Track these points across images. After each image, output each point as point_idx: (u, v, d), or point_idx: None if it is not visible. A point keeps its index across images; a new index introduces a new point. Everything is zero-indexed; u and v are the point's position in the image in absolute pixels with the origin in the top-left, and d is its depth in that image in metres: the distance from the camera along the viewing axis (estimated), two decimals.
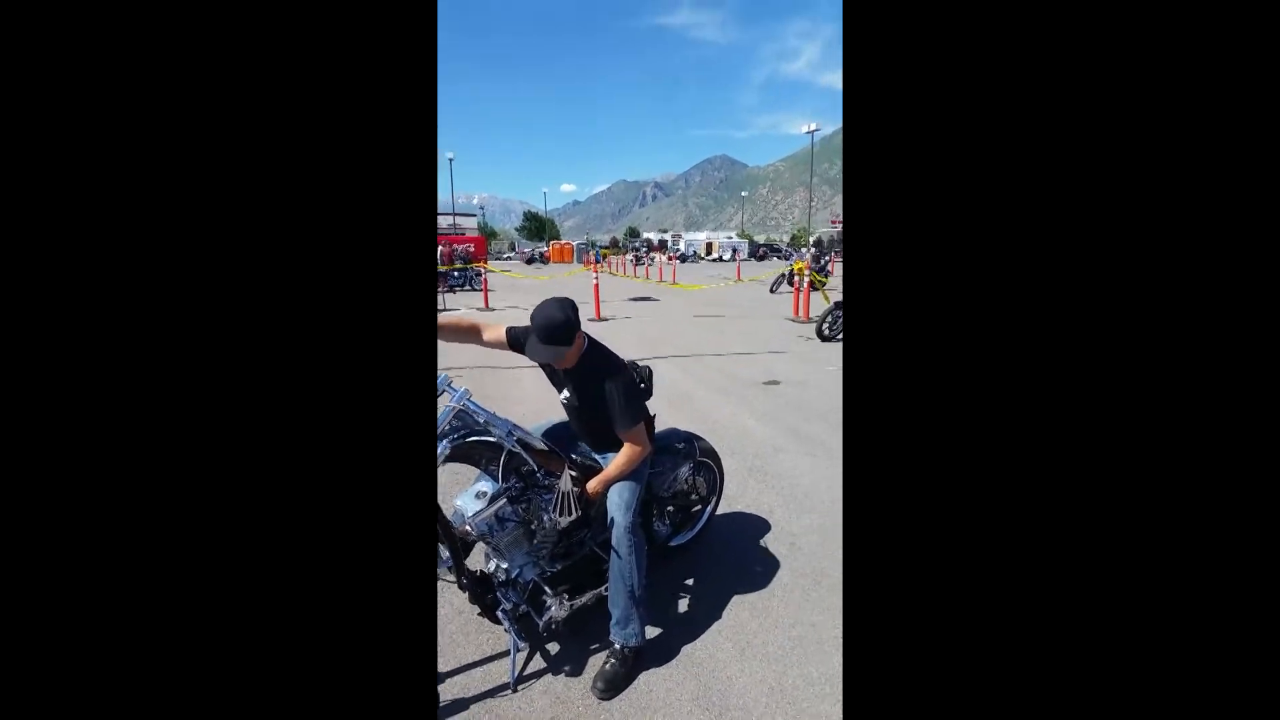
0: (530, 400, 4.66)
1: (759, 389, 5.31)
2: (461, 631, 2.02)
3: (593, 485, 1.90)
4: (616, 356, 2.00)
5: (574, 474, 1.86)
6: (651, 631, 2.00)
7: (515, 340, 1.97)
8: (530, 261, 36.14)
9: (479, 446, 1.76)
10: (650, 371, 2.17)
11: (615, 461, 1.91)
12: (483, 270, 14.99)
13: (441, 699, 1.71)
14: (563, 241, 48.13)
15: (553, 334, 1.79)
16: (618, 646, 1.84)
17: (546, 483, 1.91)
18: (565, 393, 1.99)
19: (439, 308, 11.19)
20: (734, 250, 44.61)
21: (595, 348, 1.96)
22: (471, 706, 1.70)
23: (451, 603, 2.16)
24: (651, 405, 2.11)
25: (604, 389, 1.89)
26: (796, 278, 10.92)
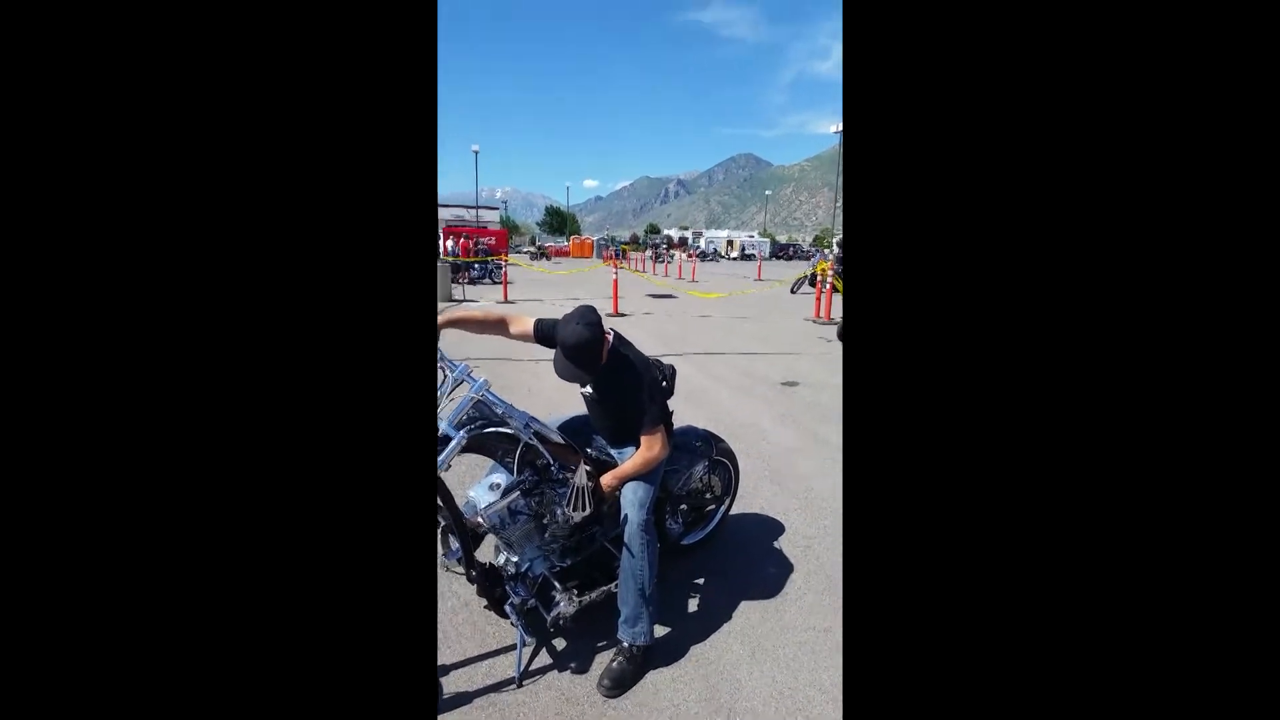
0: (547, 392, 4.66)
1: (777, 390, 5.24)
2: (468, 624, 2.01)
3: (607, 481, 1.87)
4: (641, 354, 1.97)
5: (589, 469, 1.83)
6: (660, 630, 1.97)
7: (543, 334, 1.92)
8: (536, 258, 34.78)
9: (495, 438, 1.75)
10: (673, 370, 2.13)
11: (632, 460, 1.89)
12: (503, 263, 15.08)
13: (444, 691, 1.70)
14: (583, 237, 48.45)
15: (576, 353, 1.76)
16: (626, 644, 1.81)
17: (561, 476, 1.89)
18: (587, 386, 1.97)
19: (458, 298, 11.28)
20: (743, 248, 44.57)
21: (621, 343, 1.93)
22: (475, 700, 1.68)
23: (459, 595, 2.15)
24: (669, 403, 2.07)
25: (627, 387, 1.86)
26: (819, 278, 10.79)
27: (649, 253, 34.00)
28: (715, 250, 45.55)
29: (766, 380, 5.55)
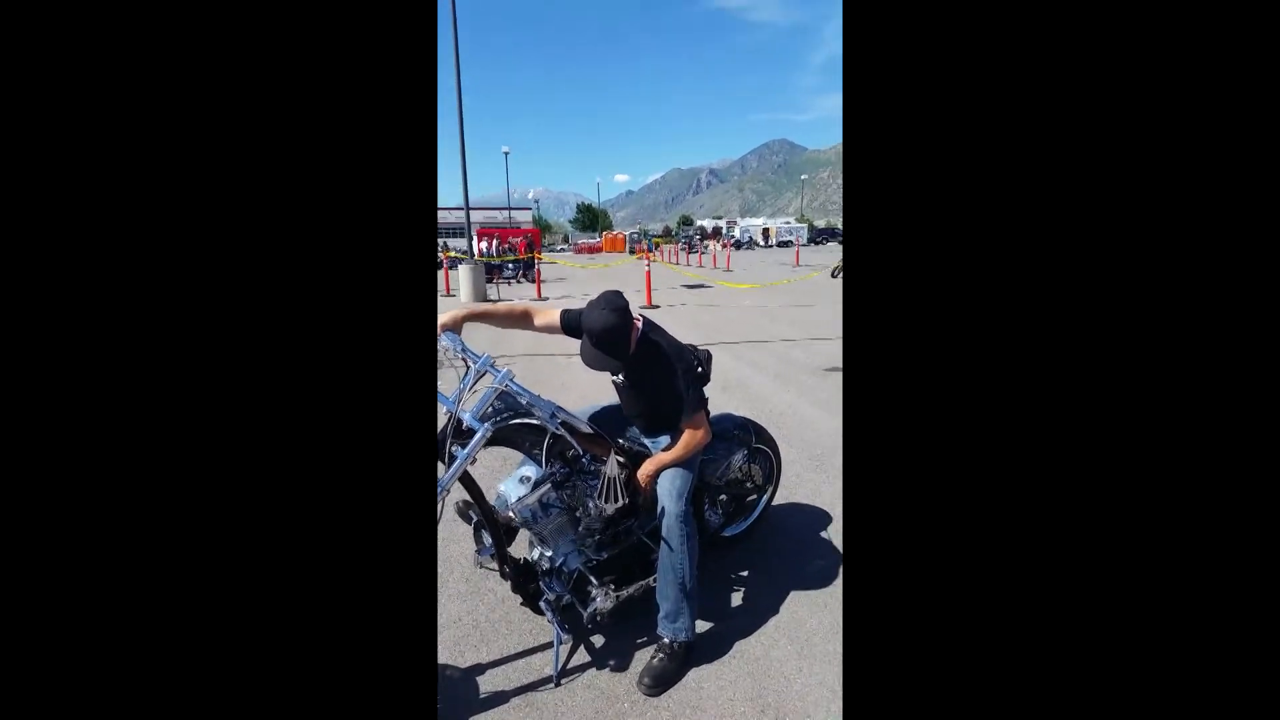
0: (580, 386, 4.62)
1: (819, 376, 5.06)
2: (504, 621, 1.97)
3: (647, 470, 1.80)
4: (674, 340, 1.89)
5: (620, 459, 1.76)
6: (702, 625, 1.88)
7: (569, 324, 1.87)
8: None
9: (522, 429, 1.69)
10: (709, 355, 2.03)
11: (674, 448, 1.81)
12: (536, 261, 15.20)
13: (481, 690, 1.66)
14: (615, 232, 48.89)
15: (604, 340, 1.69)
16: (666, 640, 1.73)
17: (592, 468, 1.82)
18: (619, 375, 1.89)
19: (493, 298, 11.42)
20: (777, 236, 44.46)
21: (652, 329, 1.86)
22: (512, 699, 1.63)
23: (494, 591, 2.11)
24: (705, 391, 1.98)
25: (660, 374, 1.79)
26: None
27: (681, 244, 33.87)
28: (750, 239, 45.04)
29: (808, 367, 5.37)
